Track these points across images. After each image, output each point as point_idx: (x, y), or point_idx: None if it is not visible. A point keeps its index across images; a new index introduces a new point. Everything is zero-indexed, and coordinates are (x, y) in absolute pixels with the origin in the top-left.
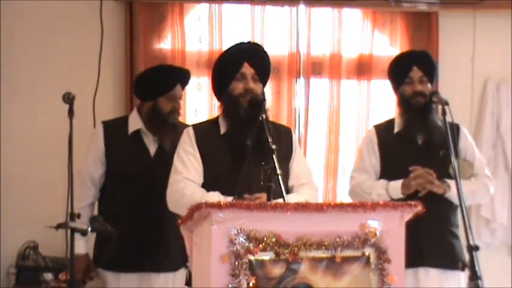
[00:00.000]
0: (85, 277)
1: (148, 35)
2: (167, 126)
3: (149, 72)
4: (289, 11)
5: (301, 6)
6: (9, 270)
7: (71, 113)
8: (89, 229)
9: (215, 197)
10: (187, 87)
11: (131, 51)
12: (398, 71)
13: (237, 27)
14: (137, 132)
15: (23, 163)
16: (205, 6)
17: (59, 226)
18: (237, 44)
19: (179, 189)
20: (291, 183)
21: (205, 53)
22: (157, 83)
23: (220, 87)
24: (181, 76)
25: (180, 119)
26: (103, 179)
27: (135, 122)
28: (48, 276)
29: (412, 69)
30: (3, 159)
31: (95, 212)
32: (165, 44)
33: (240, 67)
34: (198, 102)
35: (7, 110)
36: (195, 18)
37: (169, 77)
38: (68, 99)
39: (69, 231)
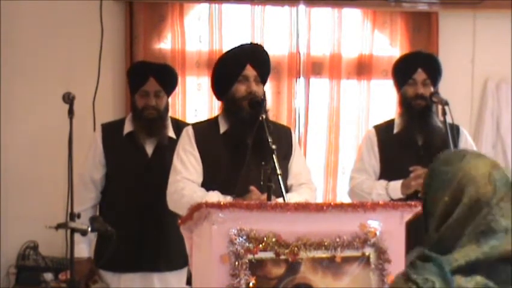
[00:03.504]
0: (88, 281)
1: (148, 35)
2: (141, 122)
3: (127, 70)
4: (289, 11)
5: (301, 6)
6: (9, 270)
7: (71, 113)
8: (89, 229)
9: (215, 196)
10: (187, 87)
11: (131, 51)
12: (403, 71)
13: (237, 27)
14: (134, 133)
15: (23, 163)
16: (205, 6)
17: (59, 226)
18: (239, 46)
19: (178, 189)
20: (290, 182)
21: (205, 53)
22: (130, 80)
23: (222, 88)
24: (153, 70)
25: (180, 119)
26: (103, 180)
27: (130, 123)
28: (48, 276)
29: (417, 71)
30: (3, 159)
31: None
32: (165, 44)
33: (243, 69)
34: (198, 102)
35: (7, 110)
36: (195, 18)
37: (138, 73)
38: (68, 99)
39: (69, 231)
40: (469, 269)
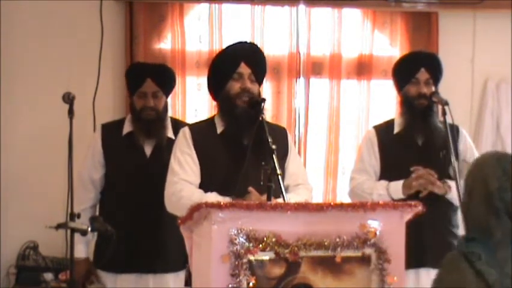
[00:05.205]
0: (85, 281)
1: (148, 35)
2: (140, 123)
3: (125, 72)
4: (289, 11)
5: (301, 6)
6: (9, 270)
7: (71, 113)
8: (89, 229)
9: (213, 198)
10: (187, 87)
11: (131, 51)
12: (405, 70)
13: (237, 27)
14: (133, 133)
15: (23, 163)
16: (205, 6)
17: (59, 226)
18: (233, 44)
19: (176, 191)
20: (286, 182)
21: (205, 53)
22: (128, 81)
23: (217, 86)
24: (150, 71)
25: (180, 119)
26: (103, 180)
27: (129, 124)
28: (48, 276)
29: (420, 71)
30: (4, 159)
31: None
32: (165, 44)
33: (237, 67)
34: (198, 102)
35: (7, 110)
36: (195, 18)
37: (135, 75)
38: (68, 99)
39: (69, 231)
40: (504, 242)
